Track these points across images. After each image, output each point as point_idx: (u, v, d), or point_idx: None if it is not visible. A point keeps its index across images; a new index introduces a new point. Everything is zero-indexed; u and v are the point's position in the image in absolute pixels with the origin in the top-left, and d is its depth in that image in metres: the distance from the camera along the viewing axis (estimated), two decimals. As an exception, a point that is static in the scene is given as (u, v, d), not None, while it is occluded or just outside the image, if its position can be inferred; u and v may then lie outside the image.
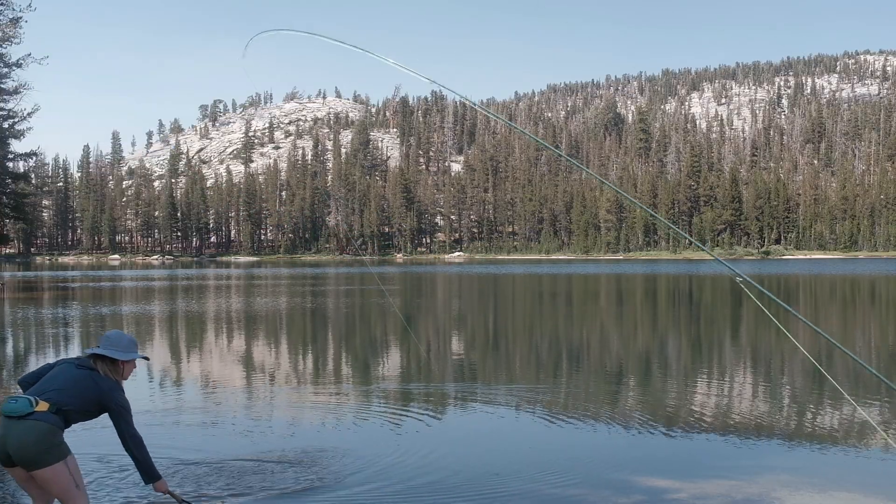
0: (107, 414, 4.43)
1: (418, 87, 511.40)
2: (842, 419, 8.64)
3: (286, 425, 8.25)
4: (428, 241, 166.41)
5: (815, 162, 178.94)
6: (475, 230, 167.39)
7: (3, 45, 41.46)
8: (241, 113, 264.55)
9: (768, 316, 5.18)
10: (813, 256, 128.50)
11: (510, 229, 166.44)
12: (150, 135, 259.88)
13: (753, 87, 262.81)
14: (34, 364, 13.31)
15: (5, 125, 44.69)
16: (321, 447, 7.15)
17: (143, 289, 40.10)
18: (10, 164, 51.97)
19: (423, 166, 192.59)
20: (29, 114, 44.93)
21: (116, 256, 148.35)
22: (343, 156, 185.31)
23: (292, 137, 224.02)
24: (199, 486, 6.00)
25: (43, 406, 4.11)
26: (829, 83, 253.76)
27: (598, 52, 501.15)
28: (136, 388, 9.82)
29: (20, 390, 4.45)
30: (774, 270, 64.56)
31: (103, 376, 4.40)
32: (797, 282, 45.13)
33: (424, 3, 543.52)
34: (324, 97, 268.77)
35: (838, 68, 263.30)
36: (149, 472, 4.39)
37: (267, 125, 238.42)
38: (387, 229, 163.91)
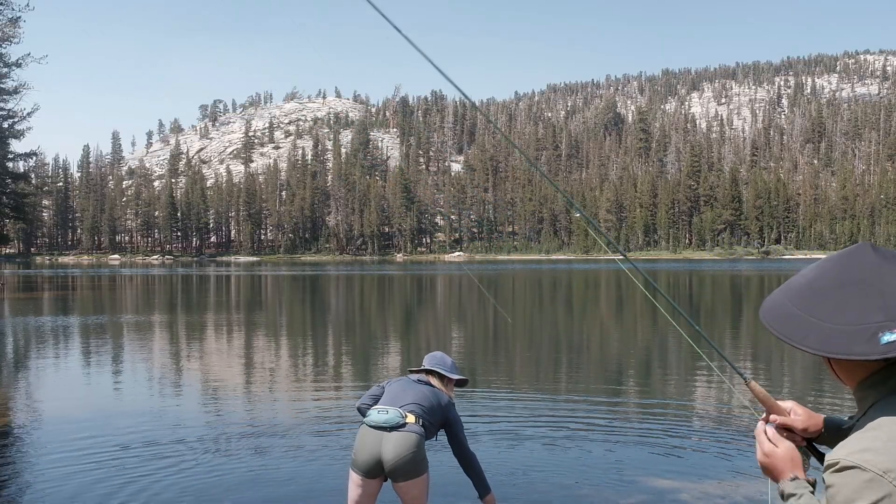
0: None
1: (418, 86, 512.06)
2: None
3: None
4: (428, 241, 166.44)
5: (815, 162, 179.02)
6: (475, 230, 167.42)
7: (3, 45, 41.54)
8: (241, 113, 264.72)
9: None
10: (813, 256, 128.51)
11: (510, 229, 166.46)
12: (150, 135, 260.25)
13: (753, 87, 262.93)
14: (33, 361, 13.30)
15: (5, 125, 44.75)
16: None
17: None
18: (10, 164, 52.04)
19: (423, 166, 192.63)
20: (29, 114, 45.04)
21: (116, 256, 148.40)
22: (343, 156, 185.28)
23: (292, 137, 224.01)
24: None
25: (411, 418, 4.10)
26: (829, 83, 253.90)
27: (598, 51, 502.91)
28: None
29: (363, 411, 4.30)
30: (774, 270, 64.59)
31: (440, 391, 4.40)
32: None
33: (424, 2, 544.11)
34: (324, 97, 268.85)
35: (838, 68, 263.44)
36: (484, 486, 4.40)
37: (267, 125, 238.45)
38: (387, 229, 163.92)
